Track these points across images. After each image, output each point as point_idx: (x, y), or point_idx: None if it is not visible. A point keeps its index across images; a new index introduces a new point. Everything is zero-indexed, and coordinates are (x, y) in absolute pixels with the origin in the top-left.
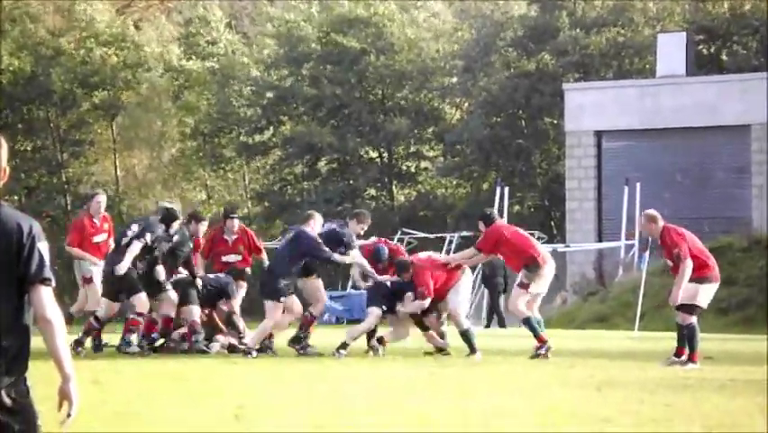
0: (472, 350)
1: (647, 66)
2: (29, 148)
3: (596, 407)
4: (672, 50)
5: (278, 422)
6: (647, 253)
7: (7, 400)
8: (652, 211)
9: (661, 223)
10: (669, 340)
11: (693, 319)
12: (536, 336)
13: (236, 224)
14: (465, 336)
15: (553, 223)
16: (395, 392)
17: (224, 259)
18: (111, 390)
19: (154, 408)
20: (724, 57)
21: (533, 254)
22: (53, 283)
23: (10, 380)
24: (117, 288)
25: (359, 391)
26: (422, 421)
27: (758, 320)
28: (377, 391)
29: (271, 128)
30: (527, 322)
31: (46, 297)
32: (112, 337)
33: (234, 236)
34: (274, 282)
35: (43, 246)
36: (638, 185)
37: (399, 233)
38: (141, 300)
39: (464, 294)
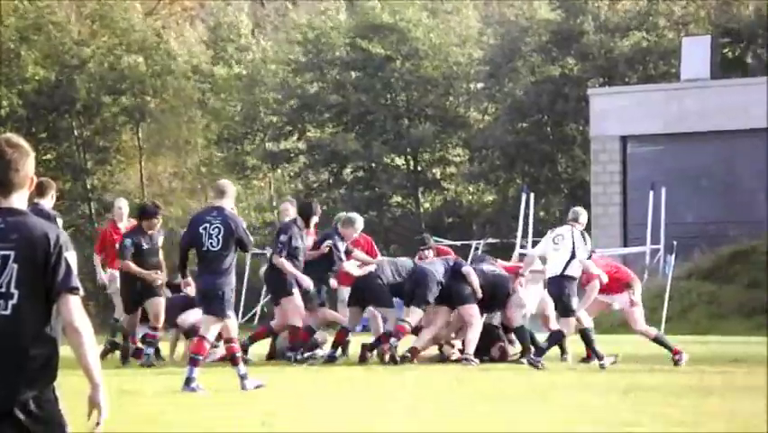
0: (524, 349)
1: (672, 70)
2: (53, 156)
3: (623, 411)
4: (696, 53)
5: (305, 429)
6: (672, 258)
7: (35, 409)
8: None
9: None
10: (694, 344)
11: None
12: (669, 347)
13: (289, 207)
14: (516, 331)
15: None
16: (419, 398)
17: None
18: (139, 399)
19: (182, 416)
20: (749, 60)
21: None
22: (81, 292)
23: (38, 389)
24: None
25: (385, 396)
26: (445, 425)
27: None
28: (401, 397)
29: (296, 135)
30: (660, 339)
31: (74, 306)
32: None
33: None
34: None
35: (71, 256)
36: (663, 190)
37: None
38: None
39: (530, 298)
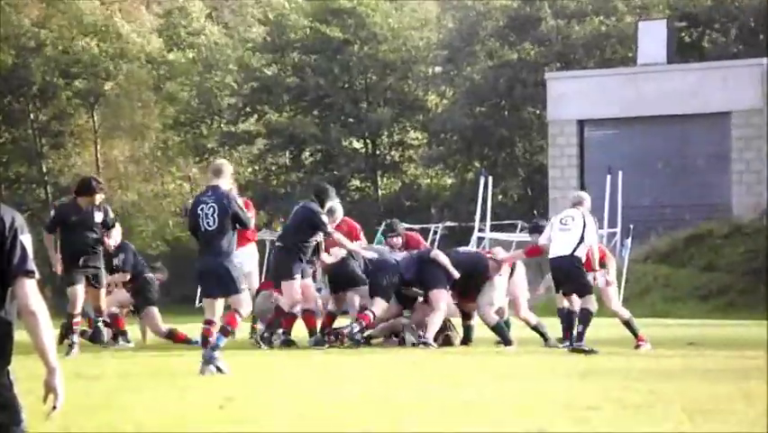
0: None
1: (630, 54)
2: (8, 139)
3: (580, 394)
4: (652, 37)
5: (265, 413)
6: (629, 241)
7: None
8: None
9: None
10: (652, 327)
11: None
12: (635, 333)
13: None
14: (494, 330)
15: (536, 212)
16: (380, 382)
17: None
18: (95, 383)
19: (139, 401)
20: (705, 44)
21: (604, 257)
22: (37, 275)
23: None
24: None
25: (344, 381)
26: (403, 410)
27: (739, 306)
28: (362, 382)
29: (255, 116)
30: (630, 323)
31: (30, 289)
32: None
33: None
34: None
35: (26, 239)
36: (620, 173)
37: (383, 225)
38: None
39: (498, 292)
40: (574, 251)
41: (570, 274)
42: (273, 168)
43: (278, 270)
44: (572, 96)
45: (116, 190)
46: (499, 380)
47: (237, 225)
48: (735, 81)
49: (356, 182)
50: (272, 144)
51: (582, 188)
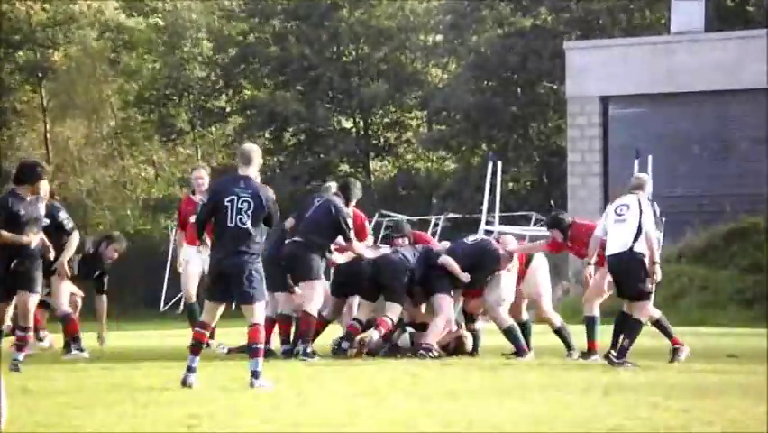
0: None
1: (662, 21)
2: None
3: (603, 413)
4: (688, 1)
5: (238, 431)
6: (660, 237)
7: None
8: None
9: None
10: (687, 336)
11: None
12: (669, 334)
13: (204, 175)
14: (507, 334)
15: (552, 202)
16: (370, 396)
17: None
18: (44, 400)
19: (94, 419)
20: (749, 8)
21: None
22: None
23: None
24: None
25: (332, 394)
26: (397, 428)
27: None
28: (350, 395)
29: (230, 91)
30: (662, 322)
31: None
32: None
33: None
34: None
35: None
36: (650, 157)
37: (377, 215)
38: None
39: (507, 289)
40: (633, 245)
41: (630, 272)
42: None
43: (302, 266)
44: (595, 70)
45: (69, 176)
46: (508, 396)
47: (264, 224)
48: None
49: (345, 167)
50: (249, 123)
51: (606, 174)
